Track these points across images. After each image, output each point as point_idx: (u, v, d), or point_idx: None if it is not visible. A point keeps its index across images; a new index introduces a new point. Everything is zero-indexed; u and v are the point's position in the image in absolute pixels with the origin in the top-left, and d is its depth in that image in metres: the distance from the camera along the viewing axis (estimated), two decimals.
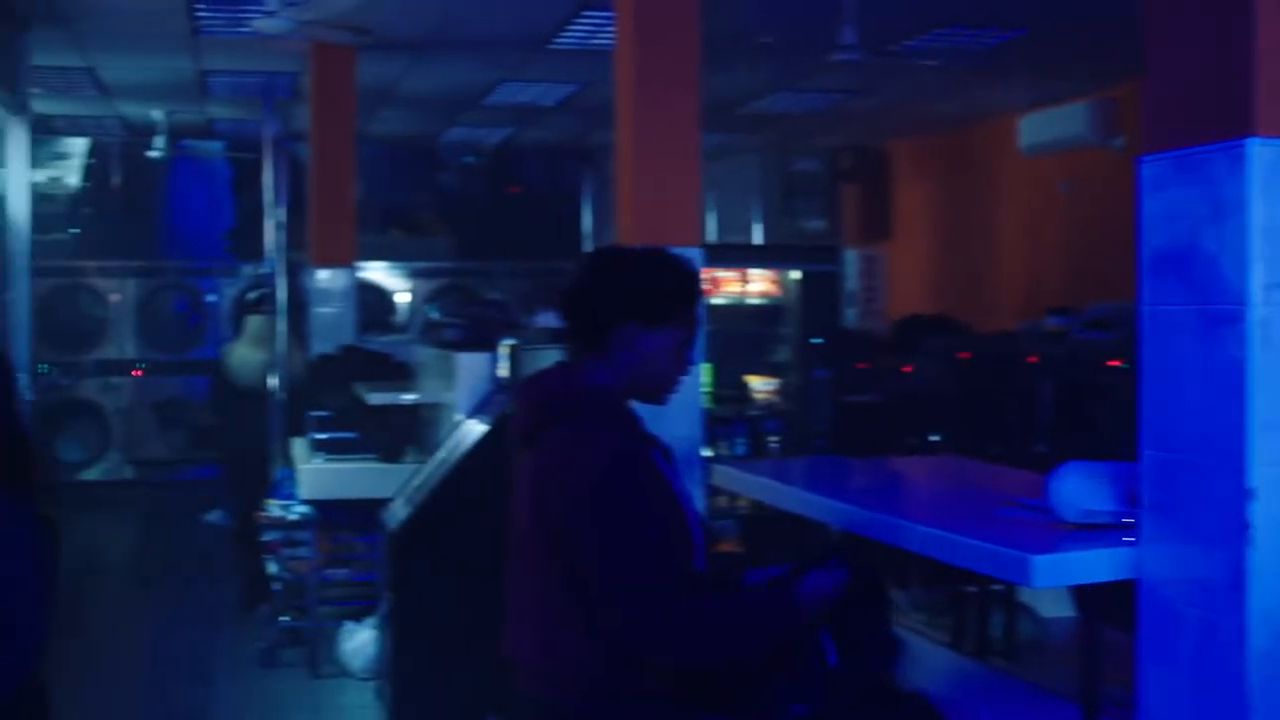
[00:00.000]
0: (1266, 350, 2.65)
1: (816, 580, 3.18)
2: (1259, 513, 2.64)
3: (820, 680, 3.23)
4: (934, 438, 9.02)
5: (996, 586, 3.87)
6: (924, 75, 10.88)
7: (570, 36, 9.57)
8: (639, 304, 3.23)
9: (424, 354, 8.35)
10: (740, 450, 7.84)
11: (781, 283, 8.32)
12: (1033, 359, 8.54)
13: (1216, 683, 2.71)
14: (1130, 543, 2.99)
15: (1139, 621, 2.92)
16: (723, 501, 7.45)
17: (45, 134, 13.85)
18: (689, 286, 3.30)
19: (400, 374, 8.62)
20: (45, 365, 11.07)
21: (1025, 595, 4.09)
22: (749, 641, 3.15)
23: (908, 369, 9.58)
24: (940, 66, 10.47)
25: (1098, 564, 3.02)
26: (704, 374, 5.92)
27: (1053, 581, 3.10)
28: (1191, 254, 2.78)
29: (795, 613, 3.14)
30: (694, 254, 5.74)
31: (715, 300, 8.19)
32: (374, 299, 14.03)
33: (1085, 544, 3.06)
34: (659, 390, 3.33)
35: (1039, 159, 11.89)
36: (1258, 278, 2.65)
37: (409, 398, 7.94)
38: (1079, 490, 3.21)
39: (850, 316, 13.89)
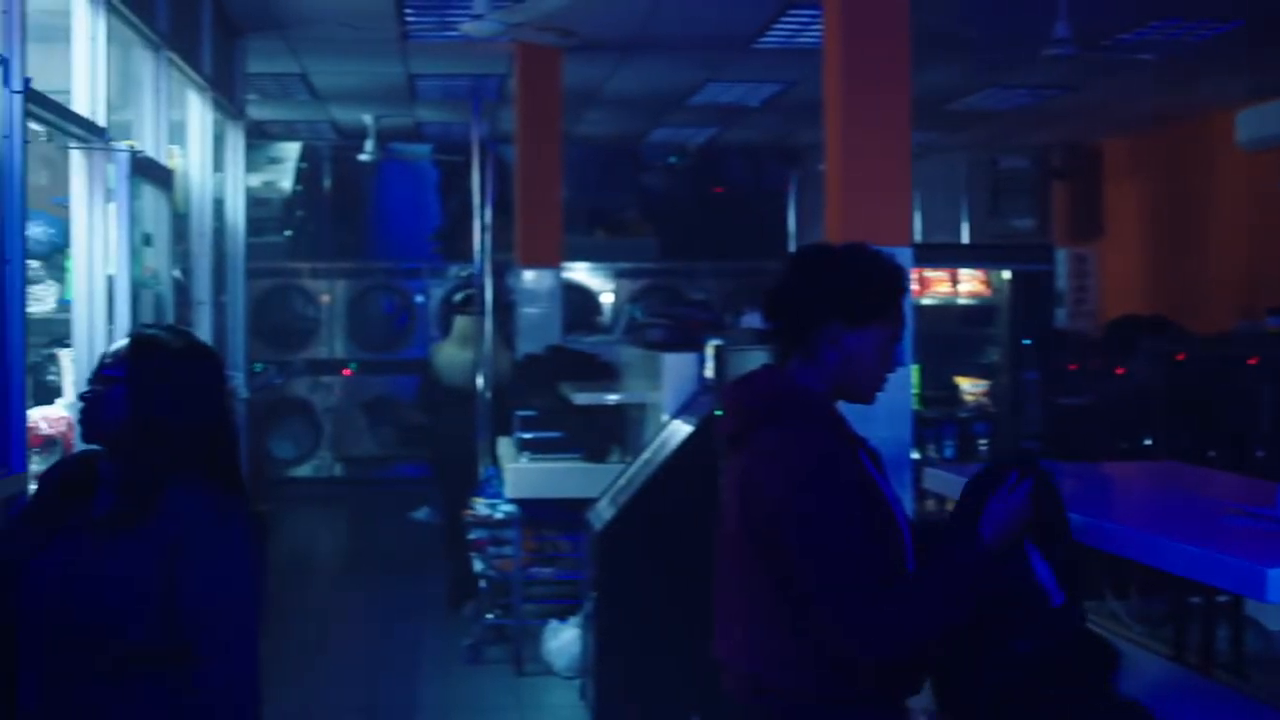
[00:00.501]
0: None
1: (996, 510, 3.14)
2: None
3: (1039, 614, 3.17)
4: (1147, 442, 8.80)
5: (1222, 598, 3.73)
6: (1138, 70, 10.60)
7: (776, 35, 9.52)
8: (843, 303, 3.19)
9: (629, 354, 8.37)
10: (949, 453, 7.72)
11: (991, 283, 8.16)
12: (1253, 361, 8.29)
13: None
14: None
15: None
16: (931, 505, 7.33)
17: (260, 139, 14.20)
18: (893, 284, 3.25)
19: (605, 374, 8.65)
20: (260, 364, 11.33)
21: (1251, 608, 3.94)
22: (956, 614, 3.09)
23: (1120, 371, 9.36)
24: (1155, 61, 10.20)
25: None
26: (912, 375, 5.83)
27: None
28: None
29: (987, 560, 3.09)
30: (903, 254, 5.67)
31: (924, 301, 8.06)
32: (579, 299, 14.12)
33: None
34: (866, 389, 3.28)
35: (1257, 154, 11.55)
36: None
37: (614, 398, 7.96)
38: None
39: (1060, 317, 13.61)
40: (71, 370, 5.58)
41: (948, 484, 4.43)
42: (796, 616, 3.08)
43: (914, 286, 6.23)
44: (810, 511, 3.04)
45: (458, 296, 10.77)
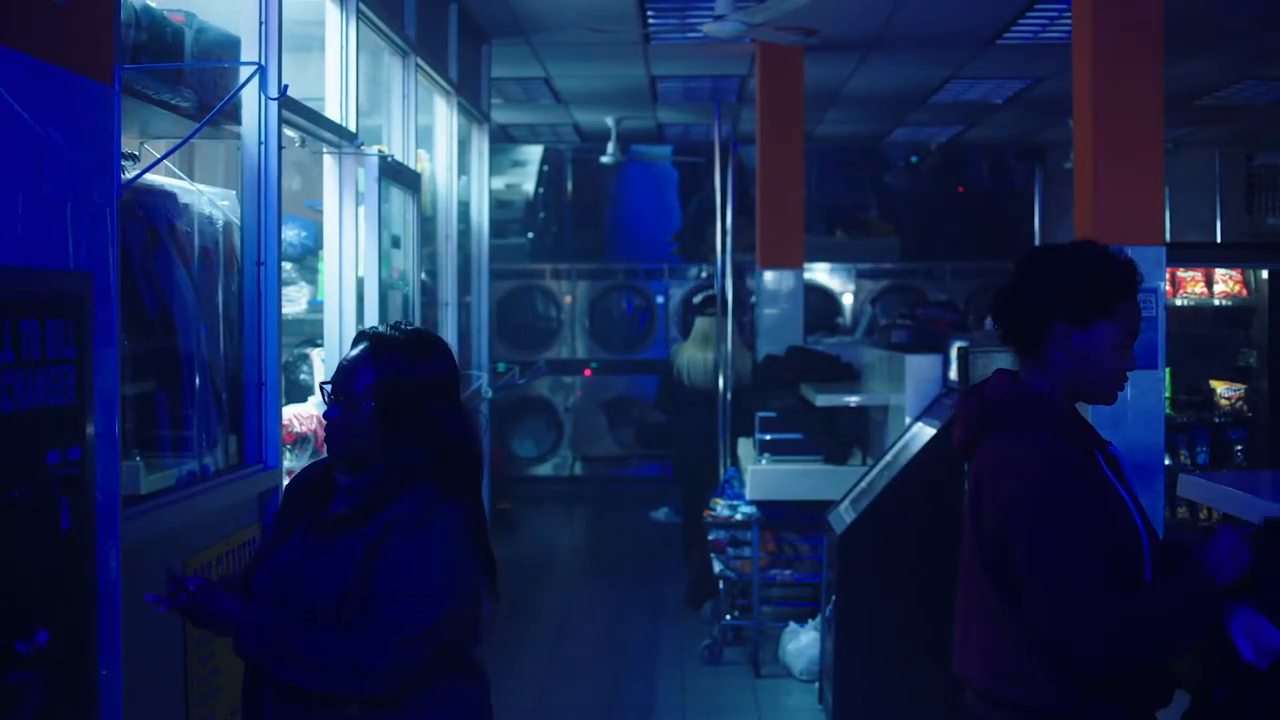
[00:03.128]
0: None
1: (1218, 549, 3.02)
2: None
3: (1237, 665, 3.05)
4: None
5: None
6: None
7: (1022, 31, 9.35)
8: (1066, 303, 3.11)
9: (871, 355, 8.30)
10: (1202, 459, 7.49)
11: (1247, 283, 7.88)
12: None
13: None
14: None
15: None
16: (1183, 512, 7.12)
17: (503, 142, 14.44)
18: (1118, 280, 3.13)
19: (846, 375, 8.58)
20: (503, 364, 11.52)
21: None
22: (1182, 636, 2.99)
23: None
24: None
25: None
26: (1164, 379, 5.66)
27: None
28: None
29: (1214, 592, 2.98)
30: (1156, 253, 5.51)
31: (1176, 301, 7.82)
32: (819, 300, 14.06)
33: None
34: (1102, 390, 3.18)
35: None
36: None
37: (855, 399, 7.89)
38: None
39: None
40: (323, 370, 5.74)
41: (1202, 491, 4.30)
42: (1025, 625, 3.02)
43: (1166, 287, 6.04)
44: (1039, 514, 2.97)
45: (698, 297, 10.80)
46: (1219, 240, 14.42)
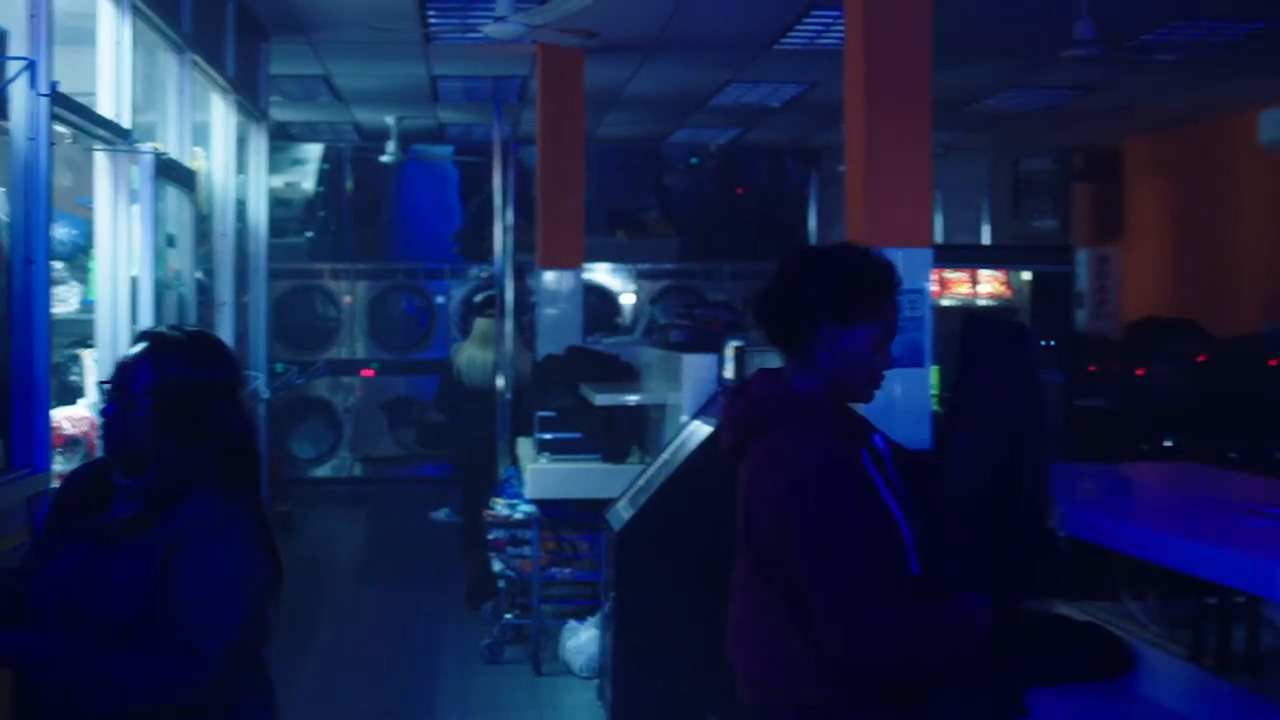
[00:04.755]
0: None
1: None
2: None
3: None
4: (1168, 443, 8.79)
5: (1239, 599, 3.73)
6: (1160, 70, 10.59)
7: (798, 36, 9.53)
8: (831, 304, 3.19)
9: (649, 355, 8.38)
10: None
11: (1011, 284, 8.16)
12: (1274, 362, 8.29)
13: None
14: None
15: None
16: None
17: (282, 140, 14.26)
18: (879, 282, 3.23)
19: (625, 375, 8.66)
20: (281, 364, 11.38)
21: (1271, 608, 3.93)
22: (949, 659, 3.09)
23: (1141, 372, 9.35)
24: (1177, 61, 10.18)
25: None
26: (932, 376, 5.83)
27: None
28: None
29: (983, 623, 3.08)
30: (923, 255, 5.67)
31: (944, 301, 8.07)
32: (599, 300, 14.15)
33: None
34: (863, 389, 3.27)
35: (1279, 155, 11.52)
36: None
37: (634, 399, 7.97)
38: None
39: (1081, 318, 13.58)
40: (94, 370, 5.62)
41: None
42: (796, 620, 3.09)
43: (934, 287, 6.22)
44: (810, 515, 3.04)
45: (478, 297, 10.80)
46: (988, 243, 14.89)
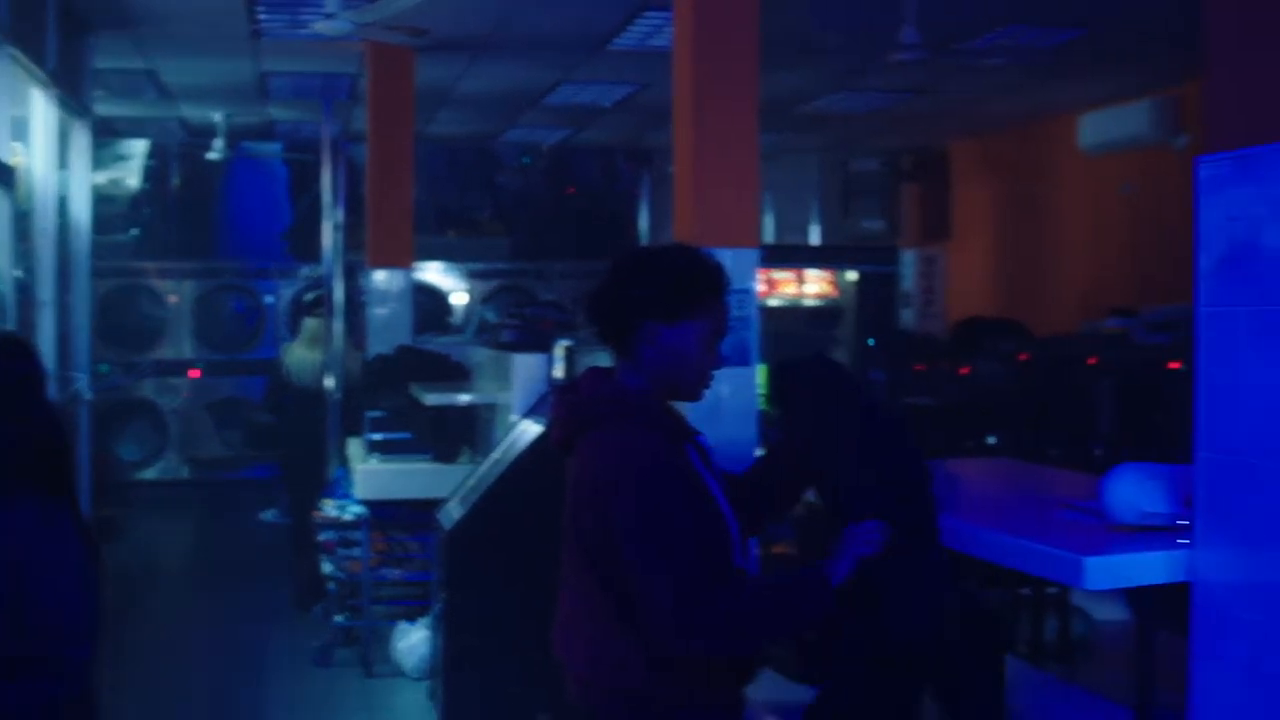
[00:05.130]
0: None
1: (850, 550, 3.19)
2: None
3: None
4: (991, 440, 8.97)
5: (1052, 589, 3.84)
6: (985, 75, 10.80)
7: (630, 37, 9.56)
8: (656, 302, 3.22)
9: (480, 355, 8.37)
10: None
11: (838, 284, 8.28)
12: (1093, 361, 8.49)
13: (1271, 687, 2.67)
14: (1185, 545, 2.95)
15: (1192, 625, 2.88)
16: None
17: (107, 136, 13.97)
18: (707, 281, 3.27)
19: (456, 375, 8.63)
20: (105, 365, 11.15)
21: (1080, 598, 4.05)
22: (783, 627, 3.17)
23: (965, 371, 9.54)
24: (1001, 66, 10.40)
25: (1151, 566, 2.98)
26: (759, 375, 5.88)
27: (1105, 584, 3.06)
28: (1250, 255, 2.74)
29: (827, 590, 3.14)
30: (750, 255, 5.72)
31: (771, 301, 8.16)
32: (430, 300, 14.08)
33: (1139, 546, 3.03)
34: (690, 387, 3.31)
35: (1100, 158, 11.82)
36: None
37: (464, 398, 7.95)
38: (1134, 492, 3.18)
39: (908, 318, 13.82)
40: None
41: None
42: (624, 616, 3.11)
43: (761, 287, 6.28)
44: (637, 511, 3.07)
45: (308, 297, 10.69)
46: (818, 243, 15.08)
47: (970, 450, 8.80)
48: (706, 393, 3.34)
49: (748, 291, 5.66)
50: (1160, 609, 3.13)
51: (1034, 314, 11.83)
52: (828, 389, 3.48)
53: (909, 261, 14.44)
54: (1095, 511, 3.27)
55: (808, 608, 3.14)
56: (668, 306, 3.22)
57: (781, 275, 8.17)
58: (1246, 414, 2.76)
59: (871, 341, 8.36)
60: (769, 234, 14.59)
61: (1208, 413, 2.88)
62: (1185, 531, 2.98)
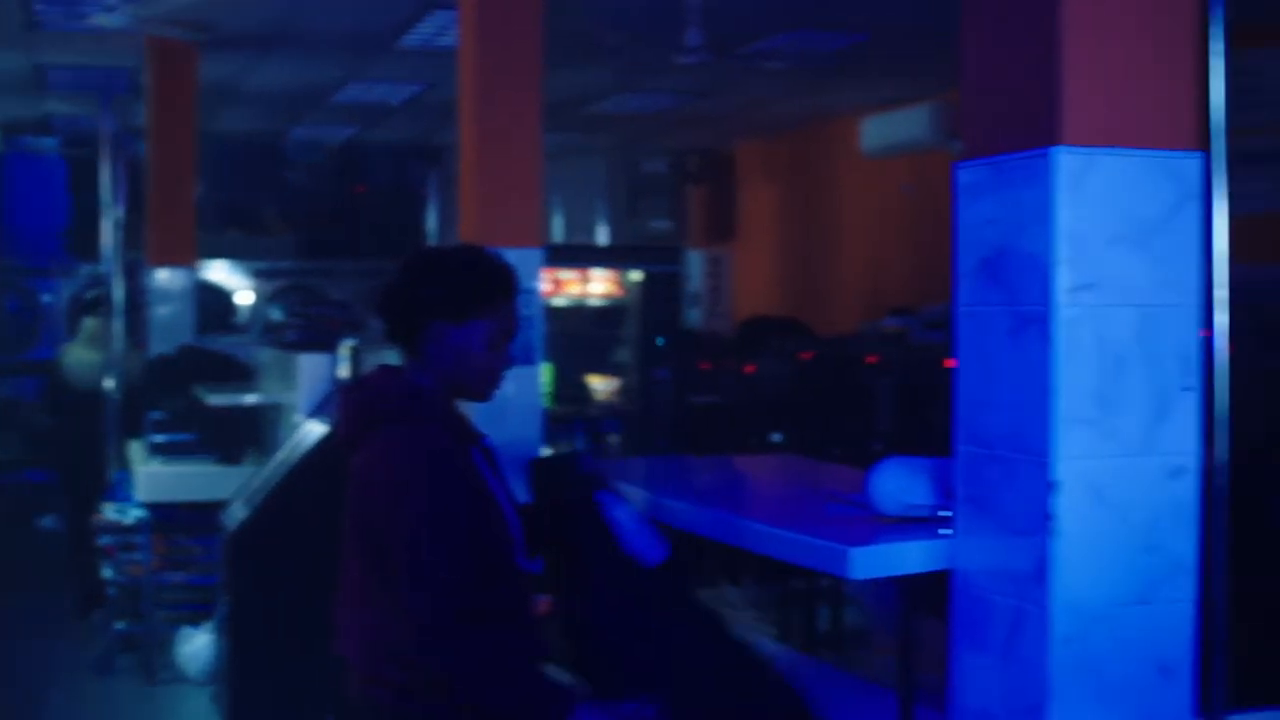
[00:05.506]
0: (1071, 349, 2.75)
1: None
2: (1062, 505, 2.74)
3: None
4: (775, 437, 9.14)
5: (824, 582, 3.95)
6: (769, 78, 10.99)
7: (418, 35, 9.55)
8: (443, 302, 3.26)
9: (265, 355, 8.29)
10: (580, 449, 7.91)
11: (623, 283, 8.38)
12: (872, 359, 8.69)
13: (1023, 667, 2.80)
14: (946, 535, 3.08)
15: (952, 610, 3.01)
16: None
17: None
18: (495, 282, 3.31)
19: (241, 375, 8.54)
20: None
21: (855, 589, 4.17)
22: (505, 703, 3.16)
23: (750, 369, 9.70)
24: (785, 70, 10.59)
25: (913, 556, 3.10)
26: (544, 374, 5.95)
27: (869, 573, 3.18)
28: (1003, 257, 2.87)
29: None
30: (534, 255, 5.78)
31: (556, 301, 8.23)
32: (215, 299, 13.84)
33: (902, 536, 3.15)
34: (478, 386, 3.34)
35: (882, 161, 12.09)
36: (1063, 280, 2.74)
37: (249, 399, 7.87)
38: (897, 485, 3.30)
39: (695, 317, 13.99)
40: None
41: None
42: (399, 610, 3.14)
43: (546, 287, 6.34)
44: (423, 514, 3.09)
45: (87, 296, 10.46)
46: (606, 243, 15.18)
47: (754, 447, 8.95)
48: (495, 393, 3.38)
49: (532, 291, 5.72)
50: (924, 596, 3.26)
51: (818, 313, 12.07)
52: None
53: (696, 261, 14.62)
54: (863, 504, 3.39)
55: (528, 710, 3.14)
56: (456, 307, 3.25)
57: (567, 275, 8.23)
58: (1001, 409, 2.88)
59: (660, 341, 8.47)
60: (557, 234, 14.64)
61: (965, 408, 3.01)
62: (947, 522, 3.10)
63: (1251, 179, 8.42)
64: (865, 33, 9.54)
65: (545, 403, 5.86)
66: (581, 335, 8.50)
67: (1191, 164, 2.87)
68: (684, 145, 15.32)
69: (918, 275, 11.77)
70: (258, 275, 14.44)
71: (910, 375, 8.35)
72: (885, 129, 11.80)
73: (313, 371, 6.95)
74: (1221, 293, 3.04)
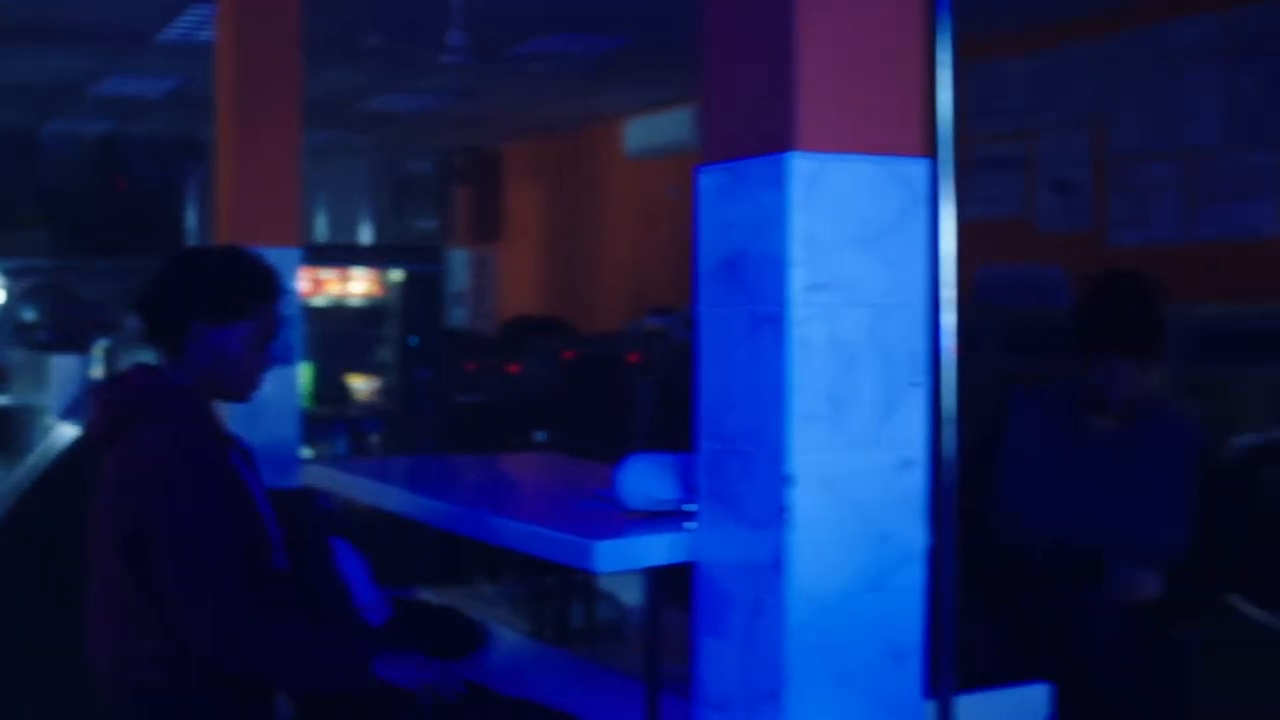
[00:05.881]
0: (804, 348, 2.85)
1: (407, 667, 3.16)
2: (797, 498, 2.84)
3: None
4: (540, 436, 9.20)
5: (578, 577, 4.03)
6: (534, 80, 11.06)
7: (177, 29, 9.40)
8: (204, 303, 3.28)
9: (16, 356, 8.09)
10: (340, 450, 7.88)
11: (384, 283, 8.37)
12: (634, 358, 8.81)
13: (762, 654, 2.90)
14: (691, 529, 3.17)
15: (695, 601, 3.09)
16: None
17: None
18: (256, 284, 3.34)
19: None
20: None
21: (610, 584, 4.25)
22: (300, 679, 3.20)
23: (514, 369, 9.75)
24: (549, 72, 10.67)
25: (657, 549, 3.18)
26: (303, 375, 5.92)
27: (614, 566, 3.26)
28: (742, 259, 2.96)
29: (367, 673, 3.13)
30: (292, 254, 5.75)
31: (316, 301, 8.18)
32: None
33: (647, 530, 3.23)
34: (238, 387, 3.36)
35: (646, 162, 12.25)
36: (798, 281, 2.84)
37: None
38: (643, 480, 3.38)
39: (460, 317, 13.99)
40: None
41: (330, 480, 4.57)
42: (154, 614, 3.13)
43: (306, 286, 6.32)
44: (174, 509, 3.09)
45: None
46: (372, 242, 15.10)
47: (518, 446, 9.00)
48: (254, 393, 3.40)
49: (290, 291, 5.69)
50: (669, 588, 3.35)
51: (582, 313, 12.18)
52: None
53: (461, 261, 14.62)
54: (611, 500, 3.46)
55: (336, 676, 3.17)
56: (216, 308, 3.27)
57: (327, 274, 8.19)
58: (741, 406, 2.98)
59: (414, 340, 8.47)
60: (321, 233, 14.52)
61: (708, 405, 3.10)
62: (692, 516, 3.19)
63: (998, 183, 8.75)
64: (628, 36, 9.66)
65: (304, 403, 5.84)
66: (342, 335, 8.45)
67: (919, 170, 3.00)
68: (451, 145, 15.31)
69: (680, 275, 11.84)
70: (8, 274, 14.02)
71: (671, 373, 8.47)
72: (648, 131, 11.98)
73: (65, 373, 6.84)
74: (948, 293, 3.17)
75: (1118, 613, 4.04)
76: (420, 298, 8.40)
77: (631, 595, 4.19)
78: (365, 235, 15.27)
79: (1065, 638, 4.07)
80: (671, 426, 8.15)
